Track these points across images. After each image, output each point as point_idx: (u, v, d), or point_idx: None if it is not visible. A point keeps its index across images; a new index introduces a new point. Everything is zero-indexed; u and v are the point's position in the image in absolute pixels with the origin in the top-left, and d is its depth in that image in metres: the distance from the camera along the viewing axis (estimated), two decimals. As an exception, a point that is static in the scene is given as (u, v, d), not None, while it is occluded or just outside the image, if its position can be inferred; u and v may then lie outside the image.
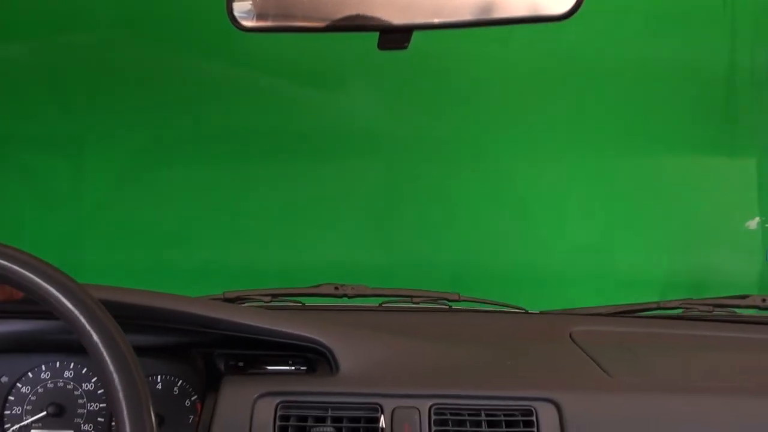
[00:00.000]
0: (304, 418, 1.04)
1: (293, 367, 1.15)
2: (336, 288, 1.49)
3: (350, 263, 3.36)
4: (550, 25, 0.92)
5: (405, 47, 0.83)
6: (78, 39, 3.44)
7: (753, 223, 3.37)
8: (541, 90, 3.39)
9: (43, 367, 1.13)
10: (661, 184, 3.45)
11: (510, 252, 3.29)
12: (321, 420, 1.04)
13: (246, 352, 1.16)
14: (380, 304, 1.54)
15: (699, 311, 1.51)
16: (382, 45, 0.83)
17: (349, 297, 1.51)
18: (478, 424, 1.04)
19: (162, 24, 3.44)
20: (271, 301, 1.45)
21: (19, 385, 1.12)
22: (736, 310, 1.53)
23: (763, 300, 1.51)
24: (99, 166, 3.57)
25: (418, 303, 1.51)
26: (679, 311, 1.53)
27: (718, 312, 1.50)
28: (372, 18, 0.82)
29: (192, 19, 3.38)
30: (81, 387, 1.12)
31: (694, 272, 3.34)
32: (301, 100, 3.42)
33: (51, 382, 1.12)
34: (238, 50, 3.30)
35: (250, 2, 0.88)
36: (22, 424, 1.10)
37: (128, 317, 0.99)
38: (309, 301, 1.48)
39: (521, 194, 3.44)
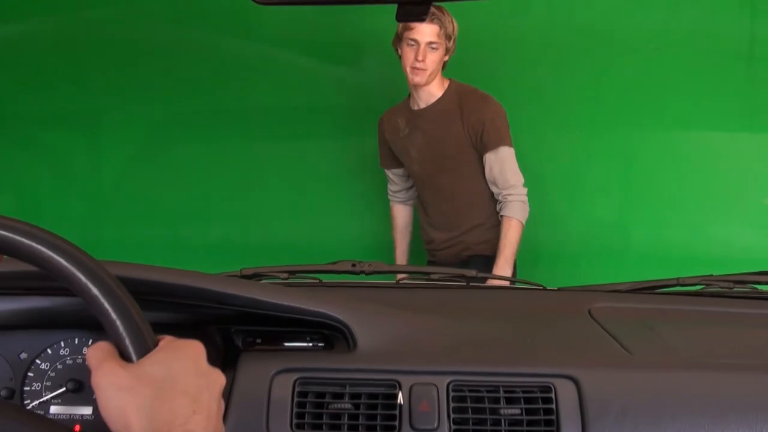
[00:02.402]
0: (322, 395, 1.04)
1: (311, 344, 1.15)
2: (353, 265, 1.49)
3: (366, 239, 3.37)
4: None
5: (424, 19, 0.81)
6: (95, 16, 3.44)
7: (773, 199, 3.34)
8: (558, 64, 3.36)
9: (62, 344, 1.13)
10: (679, 160, 3.43)
11: (526, 227, 3.27)
12: (339, 396, 1.04)
13: (263, 328, 1.16)
14: (397, 281, 1.53)
15: (719, 287, 1.50)
16: (401, 17, 0.81)
17: (367, 274, 1.50)
18: (497, 400, 1.04)
19: (178, 0, 3.43)
20: (288, 278, 1.45)
21: (38, 361, 1.12)
22: (757, 286, 1.52)
23: (784, 276, 1.50)
24: (116, 143, 3.59)
25: (435, 280, 1.51)
26: (699, 287, 1.52)
27: (738, 288, 1.49)
28: (391, -10, 0.81)
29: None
30: (100, 363, 1.12)
31: (712, 248, 3.32)
32: (317, 76, 3.41)
33: (70, 359, 1.12)
34: (255, 27, 3.30)
35: (267, -24, 0.86)
36: (41, 400, 1.10)
37: (146, 294, 0.99)
38: (326, 278, 1.48)
39: (537, 170, 3.42)
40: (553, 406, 1.03)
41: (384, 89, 3.44)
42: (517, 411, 1.03)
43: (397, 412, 1.02)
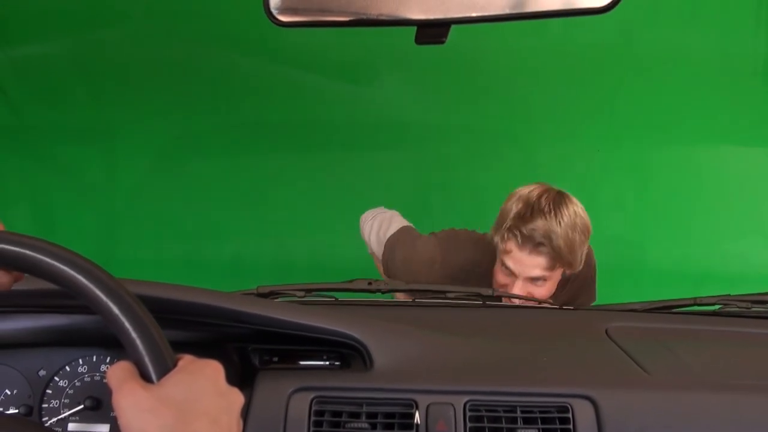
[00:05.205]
0: (338, 414, 1.04)
1: (327, 362, 1.15)
2: (369, 283, 1.49)
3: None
4: (581, 17, 0.91)
5: (443, 42, 0.82)
6: (109, 33, 3.48)
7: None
8: (573, 80, 3.36)
9: (81, 361, 1.13)
10: (695, 176, 3.41)
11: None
12: (356, 415, 1.04)
13: (280, 347, 1.16)
14: (413, 300, 1.53)
15: (737, 307, 1.49)
16: (420, 39, 0.81)
17: (383, 292, 1.50)
18: (514, 420, 1.03)
19: (193, 17, 3.46)
20: (304, 296, 1.45)
21: (56, 378, 1.12)
22: (776, 306, 1.51)
23: (804, 296, 1.49)
24: (130, 158, 3.61)
25: (451, 298, 1.51)
26: (716, 307, 1.51)
27: (756, 308, 1.48)
28: (410, 12, 0.82)
29: (223, 13, 3.40)
30: (118, 381, 1.13)
31: (729, 264, 3.30)
32: (331, 92, 3.42)
33: (88, 376, 1.13)
34: (268, 43, 3.31)
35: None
36: (59, 417, 1.11)
37: (164, 312, 1.00)
38: (342, 296, 1.48)
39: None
40: (571, 426, 1.03)
41: (396, 106, 3.45)
42: (534, 431, 1.03)
43: (413, 431, 1.02)
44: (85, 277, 0.75)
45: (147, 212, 3.59)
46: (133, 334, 0.76)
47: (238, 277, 2.91)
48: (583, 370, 1.15)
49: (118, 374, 0.74)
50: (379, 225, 2.31)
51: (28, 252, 0.75)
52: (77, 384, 1.12)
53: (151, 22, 3.51)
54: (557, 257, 1.85)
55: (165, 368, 0.76)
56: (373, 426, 1.03)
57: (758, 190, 3.42)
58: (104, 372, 1.13)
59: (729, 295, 1.51)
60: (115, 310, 0.76)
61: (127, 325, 0.76)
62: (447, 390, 1.05)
